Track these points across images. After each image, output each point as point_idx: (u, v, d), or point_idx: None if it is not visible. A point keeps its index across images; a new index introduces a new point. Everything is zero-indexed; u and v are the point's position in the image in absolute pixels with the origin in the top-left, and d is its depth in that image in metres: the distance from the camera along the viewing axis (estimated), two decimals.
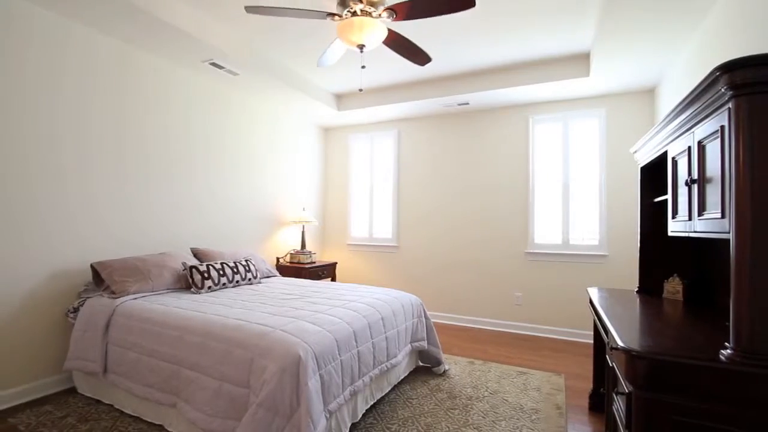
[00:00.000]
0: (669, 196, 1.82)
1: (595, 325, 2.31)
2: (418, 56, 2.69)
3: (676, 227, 1.73)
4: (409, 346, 2.76)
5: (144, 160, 3.14)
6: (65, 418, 2.24)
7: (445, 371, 2.98)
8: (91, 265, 2.65)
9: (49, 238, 2.56)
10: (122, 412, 2.29)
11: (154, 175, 3.21)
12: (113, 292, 2.54)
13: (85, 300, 2.56)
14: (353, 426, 2.15)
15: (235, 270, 3.11)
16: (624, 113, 3.82)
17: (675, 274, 2.11)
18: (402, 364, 2.71)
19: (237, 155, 4.03)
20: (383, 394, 2.50)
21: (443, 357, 3.02)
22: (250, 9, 2.25)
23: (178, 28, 2.71)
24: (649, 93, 3.72)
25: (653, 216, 2.26)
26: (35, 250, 2.49)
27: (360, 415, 2.19)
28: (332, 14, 2.27)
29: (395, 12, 2.27)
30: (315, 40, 3.25)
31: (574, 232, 4.05)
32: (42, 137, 2.53)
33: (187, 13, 2.77)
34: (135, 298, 2.52)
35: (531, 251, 4.16)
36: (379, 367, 2.33)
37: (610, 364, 1.63)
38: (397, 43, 2.55)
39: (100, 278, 2.65)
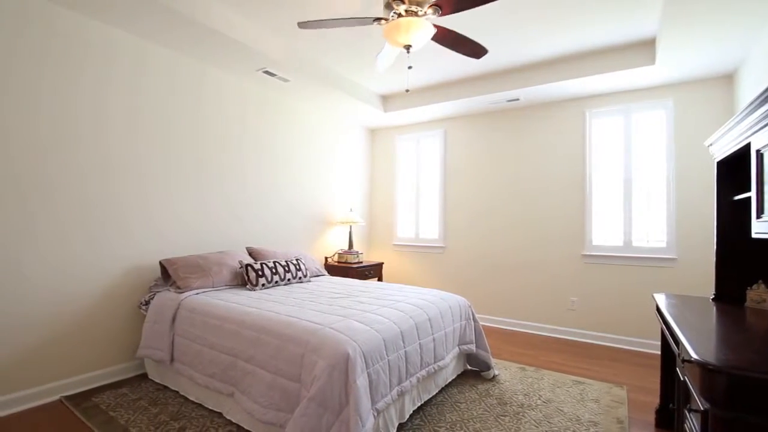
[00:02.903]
0: (753, 194, 1.63)
1: (663, 335, 2.13)
2: (473, 49, 2.57)
3: (761, 228, 1.55)
4: (457, 348, 2.71)
5: (205, 164, 3.37)
6: (138, 400, 2.46)
7: (494, 376, 2.90)
8: (160, 262, 2.89)
9: (124, 237, 2.83)
10: (186, 398, 2.47)
11: (214, 178, 3.44)
12: (179, 287, 2.74)
13: (154, 294, 2.80)
14: (400, 426, 2.15)
15: (287, 269, 3.24)
16: (695, 103, 3.48)
17: (760, 281, 1.89)
18: (449, 366, 2.67)
19: (288, 158, 4.20)
20: (430, 396, 2.47)
21: (493, 362, 2.93)
22: (302, 25, 2.35)
23: (235, 40, 2.88)
24: (726, 79, 3.36)
25: (732, 215, 2.03)
26: (113, 248, 2.76)
27: (407, 416, 2.19)
28: (379, 19, 2.29)
29: (440, 7, 2.24)
30: (362, 44, 3.30)
31: (638, 233, 3.75)
32: (118, 144, 2.80)
33: (242, 24, 2.92)
34: (198, 293, 2.71)
35: (588, 253, 3.91)
36: (426, 369, 2.31)
37: (682, 378, 1.49)
38: (448, 39, 2.50)
39: (167, 274, 2.88)
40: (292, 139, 4.24)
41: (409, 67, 2.89)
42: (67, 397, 2.47)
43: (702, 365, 1.12)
